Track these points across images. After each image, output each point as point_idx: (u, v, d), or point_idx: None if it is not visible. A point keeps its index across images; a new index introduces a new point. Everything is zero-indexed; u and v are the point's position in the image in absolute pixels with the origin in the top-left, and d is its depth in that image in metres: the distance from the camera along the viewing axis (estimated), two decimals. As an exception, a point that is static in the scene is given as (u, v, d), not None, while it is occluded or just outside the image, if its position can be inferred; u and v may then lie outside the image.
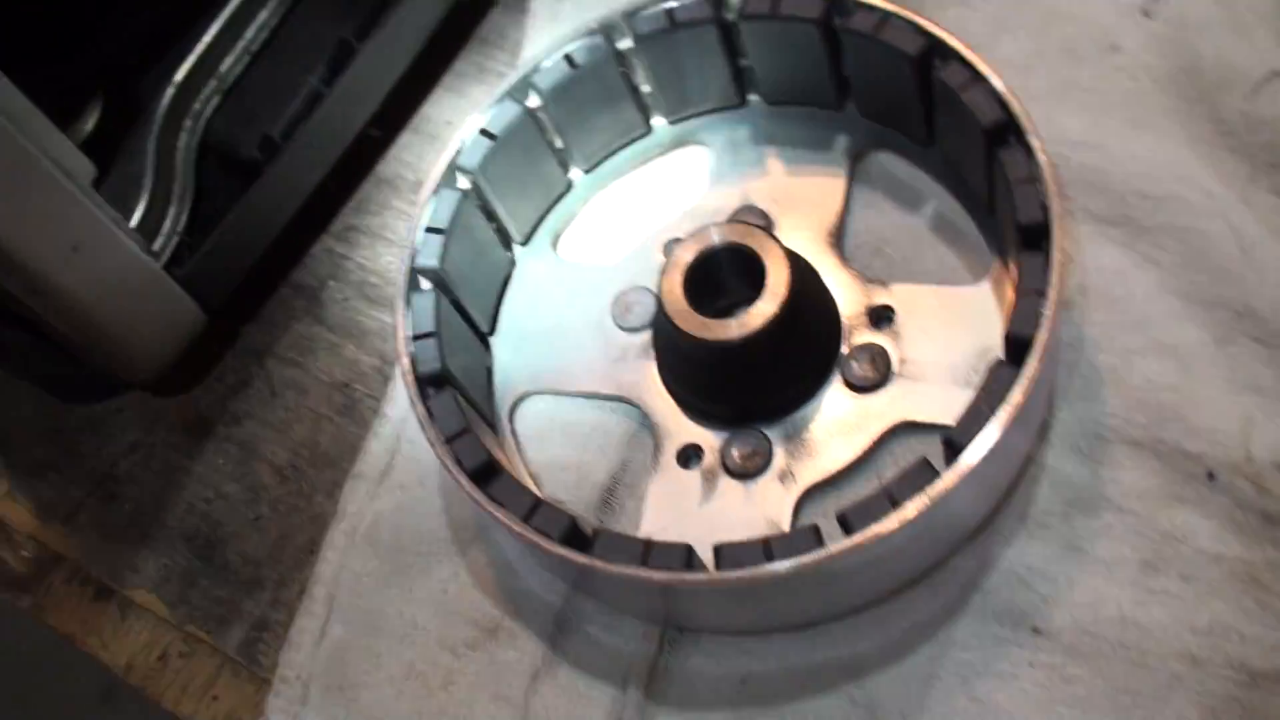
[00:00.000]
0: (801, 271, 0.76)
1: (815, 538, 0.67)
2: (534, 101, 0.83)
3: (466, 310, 0.83)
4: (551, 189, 0.88)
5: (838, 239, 0.83)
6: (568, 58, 0.82)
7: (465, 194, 0.81)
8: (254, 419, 0.91)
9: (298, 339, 0.93)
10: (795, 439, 0.78)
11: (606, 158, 0.90)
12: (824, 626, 0.76)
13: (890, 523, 0.65)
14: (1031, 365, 0.67)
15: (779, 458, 0.78)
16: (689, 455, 0.80)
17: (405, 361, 0.76)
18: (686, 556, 0.68)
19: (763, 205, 0.85)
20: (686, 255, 0.76)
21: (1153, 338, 0.78)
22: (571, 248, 0.90)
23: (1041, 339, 0.68)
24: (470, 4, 1.01)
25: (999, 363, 0.70)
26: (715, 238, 0.75)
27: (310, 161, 0.92)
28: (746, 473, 0.78)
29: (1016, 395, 0.66)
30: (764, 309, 0.73)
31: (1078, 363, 0.78)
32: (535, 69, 0.82)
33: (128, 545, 0.89)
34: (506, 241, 0.88)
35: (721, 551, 0.68)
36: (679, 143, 0.90)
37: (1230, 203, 0.79)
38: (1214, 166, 0.80)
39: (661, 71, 0.86)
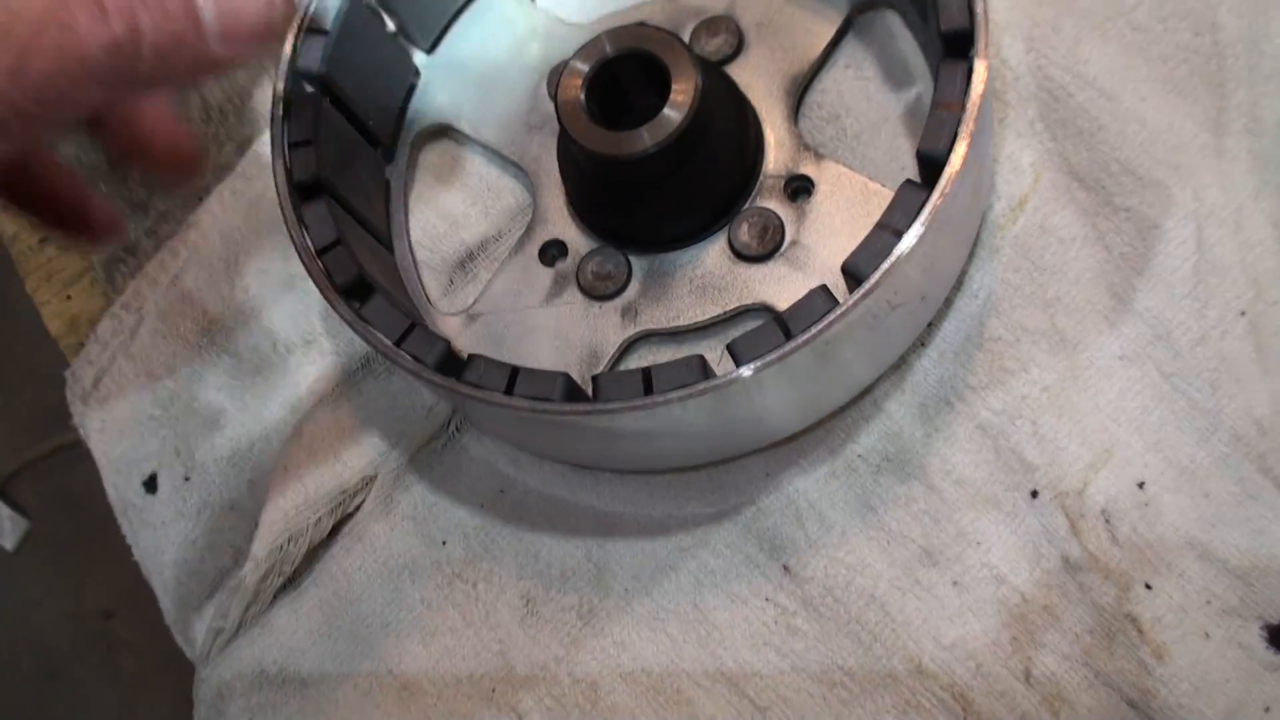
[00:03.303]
0: (712, 109, 0.68)
1: (701, 370, 0.61)
2: None
3: (402, 21, 0.78)
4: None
5: (799, 90, 0.74)
6: None
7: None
8: (208, 51, 0.89)
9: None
10: (655, 279, 0.73)
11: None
12: (596, 473, 0.73)
13: (785, 351, 0.59)
14: (940, 189, 0.60)
15: (632, 290, 0.73)
16: (553, 251, 0.75)
17: (279, 169, 0.71)
18: (565, 385, 0.63)
19: (744, 22, 0.76)
20: (601, 52, 0.69)
21: (1057, 325, 0.69)
22: (552, -7, 0.83)
23: (956, 159, 0.60)
24: None
25: (908, 183, 0.62)
26: (609, 49, 0.68)
27: None
28: (594, 292, 0.73)
29: (925, 214, 0.59)
30: (653, 134, 0.66)
31: (969, 315, 0.70)
32: None
33: (56, 125, 0.89)
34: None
35: (600, 382, 0.62)
36: (699, -78, 0.80)
37: (1216, 216, 0.68)
38: (1223, 166, 0.69)
39: None
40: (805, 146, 0.73)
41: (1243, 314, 0.67)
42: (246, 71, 0.87)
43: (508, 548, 0.73)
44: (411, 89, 0.81)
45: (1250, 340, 0.66)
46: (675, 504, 0.71)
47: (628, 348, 0.73)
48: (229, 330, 0.80)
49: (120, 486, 0.81)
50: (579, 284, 0.74)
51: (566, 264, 0.75)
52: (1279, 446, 0.64)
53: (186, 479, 0.79)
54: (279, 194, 0.70)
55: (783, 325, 0.61)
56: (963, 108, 0.61)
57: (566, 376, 0.63)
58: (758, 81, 0.75)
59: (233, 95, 0.87)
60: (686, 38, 0.76)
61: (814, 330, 0.59)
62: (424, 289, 0.77)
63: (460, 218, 0.79)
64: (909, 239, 0.59)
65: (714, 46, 0.76)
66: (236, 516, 0.77)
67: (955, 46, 0.63)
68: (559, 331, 0.73)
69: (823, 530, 0.69)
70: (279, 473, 0.76)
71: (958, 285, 0.71)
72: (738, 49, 0.76)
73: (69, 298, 0.86)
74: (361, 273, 0.68)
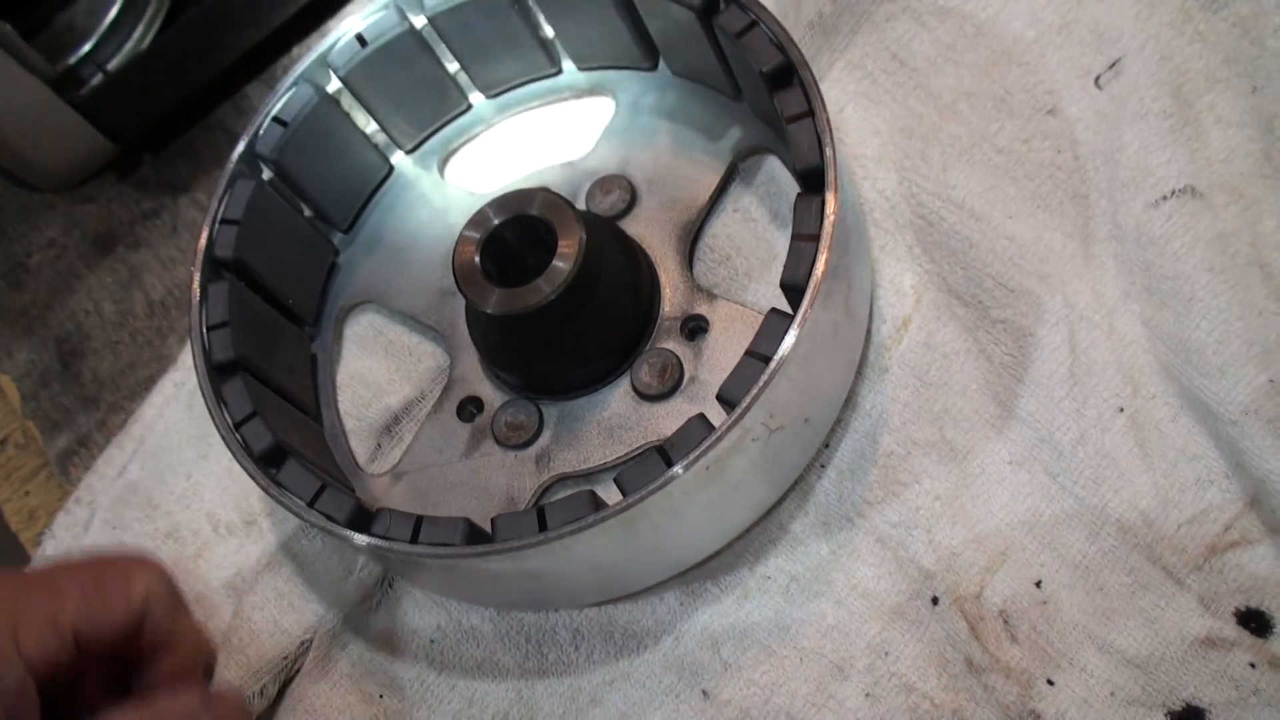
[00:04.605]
0: (601, 257, 0.72)
1: (592, 503, 0.64)
2: (417, 20, 0.81)
3: (318, 206, 0.83)
4: (444, 106, 0.86)
5: (691, 235, 0.79)
6: (456, -18, 0.79)
7: (325, 96, 0.81)
8: (149, 249, 0.94)
9: (212, 185, 0.94)
10: (565, 424, 0.76)
11: (512, 88, 0.87)
12: (521, 615, 0.75)
13: (667, 478, 0.62)
14: (802, 315, 0.63)
15: (545, 438, 0.76)
16: (470, 408, 0.79)
17: (198, 350, 0.75)
18: (466, 530, 0.66)
19: (636, 179, 0.81)
20: (488, 219, 0.73)
21: (946, 437, 0.71)
22: (457, 170, 0.88)
23: (814, 283, 0.63)
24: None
25: (773, 311, 0.65)
26: (494, 217, 0.73)
27: (255, 13, 0.92)
28: (508, 443, 0.77)
29: (791, 339, 0.63)
30: (547, 283, 0.70)
31: (863, 433, 0.73)
32: (421, -14, 0.80)
33: (12, 332, 0.94)
34: (383, 145, 0.87)
35: (497, 523, 0.65)
36: (590, 90, 0.86)
37: (1088, 319, 0.71)
38: (1091, 272, 0.72)
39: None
40: (699, 288, 0.77)
41: (1121, 410, 0.69)
42: (186, 266, 0.92)
43: (442, 695, 0.75)
44: (333, 267, 0.86)
45: (1130, 435, 0.69)
46: (598, 638, 0.73)
47: (543, 493, 0.76)
48: (172, 516, 0.83)
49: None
50: (494, 436, 0.77)
51: (482, 418, 0.78)
52: (1165, 536, 0.66)
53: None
54: (198, 374, 0.74)
55: (664, 454, 0.64)
56: (818, 238, 0.65)
57: (467, 521, 0.66)
58: (651, 231, 0.79)
59: (173, 288, 0.92)
60: (583, 197, 0.81)
61: (692, 456, 0.62)
62: (352, 454, 0.81)
63: (384, 384, 0.83)
64: (775, 363, 0.63)
65: (608, 203, 0.80)
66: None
67: (810, 182, 0.67)
68: (478, 483, 0.76)
69: (738, 653, 0.71)
70: (224, 646, 0.78)
71: (850, 405, 0.74)
72: (631, 203, 0.80)
73: (27, 493, 0.90)
74: (277, 440, 0.71)
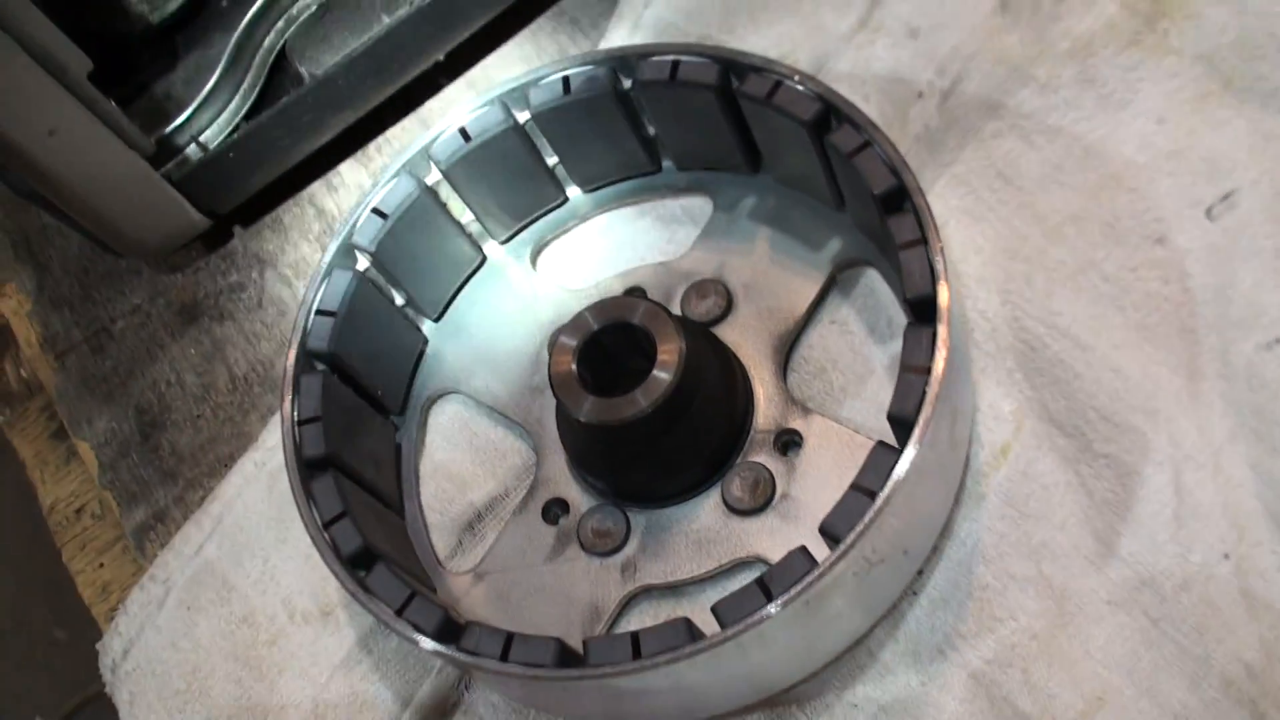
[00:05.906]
0: (700, 368, 0.71)
1: (688, 633, 0.63)
2: (521, 116, 0.81)
3: (411, 295, 0.83)
4: (541, 198, 0.86)
5: (787, 346, 0.78)
6: (565, 80, 0.79)
7: (425, 188, 0.81)
8: (234, 322, 0.94)
9: (300, 261, 0.94)
10: (653, 534, 0.75)
11: (610, 184, 0.86)
12: (602, 731, 0.74)
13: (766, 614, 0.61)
14: (910, 450, 0.62)
15: (631, 546, 0.75)
16: (555, 510, 0.78)
17: (289, 445, 0.75)
18: (557, 650, 0.65)
19: (732, 284, 0.80)
20: (587, 325, 0.73)
21: (1043, 573, 0.70)
22: (549, 262, 0.88)
23: (924, 420, 0.62)
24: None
25: (880, 444, 0.65)
26: (594, 323, 0.72)
27: (355, 96, 0.92)
28: (594, 549, 0.76)
29: (898, 474, 0.62)
30: (646, 395, 0.70)
31: (958, 563, 0.72)
32: (532, 82, 0.79)
33: (94, 398, 0.94)
34: (478, 235, 0.87)
35: (590, 647, 0.65)
36: (689, 189, 0.85)
37: (1194, 460, 0.69)
38: (1197, 411, 0.70)
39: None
40: (794, 401, 0.76)
41: (1226, 557, 0.67)
42: (271, 342, 0.92)
43: (517, 806, 0.74)
44: (421, 355, 0.85)
45: (1235, 583, 0.67)
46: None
47: (628, 603, 0.75)
48: (248, 600, 0.83)
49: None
50: (580, 541, 0.76)
51: (568, 521, 0.77)
52: (1270, 691, 0.64)
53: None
54: (288, 470, 0.73)
55: (764, 587, 0.63)
56: (929, 371, 0.64)
57: (559, 642, 0.65)
58: (747, 340, 0.78)
59: (256, 364, 0.92)
60: (678, 300, 0.81)
61: (794, 591, 0.61)
62: (434, 549, 0.80)
63: (468, 478, 0.82)
64: (881, 500, 0.62)
65: (704, 308, 0.80)
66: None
67: (920, 312, 0.66)
68: (561, 589, 0.75)
69: (818, 787, 0.69)
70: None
71: (946, 532, 0.72)
72: (727, 309, 0.80)
73: (102, 565, 0.90)
74: (366, 543, 0.70)
